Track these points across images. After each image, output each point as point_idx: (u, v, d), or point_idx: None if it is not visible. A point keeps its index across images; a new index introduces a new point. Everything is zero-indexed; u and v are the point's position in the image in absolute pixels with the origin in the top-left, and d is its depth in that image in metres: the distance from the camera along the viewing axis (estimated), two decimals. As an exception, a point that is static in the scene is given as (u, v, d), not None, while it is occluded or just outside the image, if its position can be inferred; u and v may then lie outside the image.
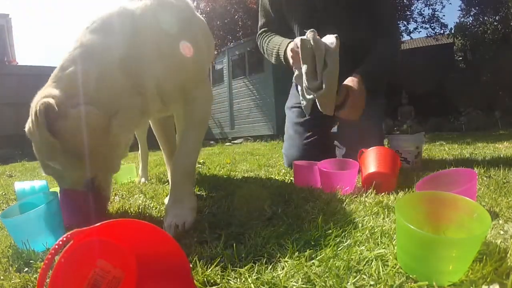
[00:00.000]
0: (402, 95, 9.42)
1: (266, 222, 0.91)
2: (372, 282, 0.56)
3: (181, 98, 1.14)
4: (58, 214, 0.92)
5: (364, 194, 1.13)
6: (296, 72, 1.58)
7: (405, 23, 10.74)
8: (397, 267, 0.60)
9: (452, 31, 12.02)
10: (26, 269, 0.73)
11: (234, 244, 0.75)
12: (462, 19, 12.54)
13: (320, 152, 1.77)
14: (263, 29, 2.03)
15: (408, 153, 1.68)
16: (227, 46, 10.24)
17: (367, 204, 1.02)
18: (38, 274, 0.43)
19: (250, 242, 0.76)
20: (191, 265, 0.58)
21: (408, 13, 10.36)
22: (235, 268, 0.64)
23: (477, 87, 9.59)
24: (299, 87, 1.63)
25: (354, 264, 0.62)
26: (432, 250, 0.56)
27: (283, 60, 1.73)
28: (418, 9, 10.97)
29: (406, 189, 1.20)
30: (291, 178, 1.56)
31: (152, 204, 1.26)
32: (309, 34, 1.40)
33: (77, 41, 0.98)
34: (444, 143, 3.61)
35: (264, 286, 0.58)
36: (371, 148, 1.31)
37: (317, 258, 0.65)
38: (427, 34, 11.24)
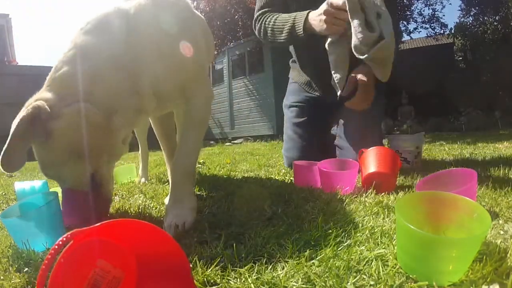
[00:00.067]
0: (402, 95, 9.43)
1: (266, 222, 0.91)
2: (372, 282, 0.56)
3: (180, 97, 1.14)
4: (58, 214, 0.92)
5: (364, 194, 1.13)
6: (330, 39, 1.44)
7: (405, 23, 10.74)
8: (397, 267, 0.60)
9: (452, 31, 12.02)
10: (26, 269, 0.73)
11: (234, 244, 0.75)
12: (462, 19, 12.55)
13: (320, 152, 1.77)
14: (264, 10, 1.85)
15: (408, 153, 1.69)
16: (227, 46, 10.24)
17: (367, 204, 1.02)
18: (38, 274, 0.43)
19: (250, 242, 0.76)
20: (191, 265, 0.58)
21: (408, 13, 10.36)
22: (235, 268, 0.64)
23: (477, 87, 9.59)
24: (331, 59, 1.46)
25: (354, 264, 0.62)
26: (432, 250, 0.56)
27: (301, 32, 1.56)
28: (418, 9, 10.98)
29: (406, 189, 1.20)
30: (291, 178, 1.56)
31: (152, 204, 1.26)
32: None
33: (71, 42, 0.98)
34: (444, 143, 3.61)
35: (264, 286, 0.58)
36: (371, 148, 1.31)
37: (317, 258, 0.65)
38: (427, 34, 11.25)
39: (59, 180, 0.97)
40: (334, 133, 1.95)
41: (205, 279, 0.62)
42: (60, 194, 0.96)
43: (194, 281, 0.59)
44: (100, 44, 0.97)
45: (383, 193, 1.13)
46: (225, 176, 1.92)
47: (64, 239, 0.46)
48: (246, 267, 0.64)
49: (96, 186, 0.96)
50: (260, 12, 1.87)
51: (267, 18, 1.79)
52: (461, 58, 13.40)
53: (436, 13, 10.90)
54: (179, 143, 1.11)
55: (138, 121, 1.07)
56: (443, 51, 12.71)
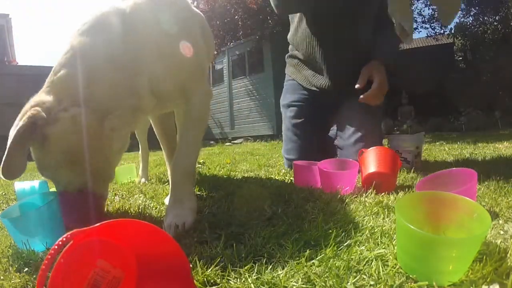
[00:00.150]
0: (402, 95, 9.42)
1: (266, 222, 0.91)
2: (372, 282, 0.56)
3: (178, 95, 1.13)
4: (58, 214, 0.92)
5: (364, 194, 1.13)
6: None
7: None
8: (397, 267, 0.60)
9: (452, 31, 12.01)
10: (26, 269, 0.73)
11: (234, 244, 0.75)
12: (462, 19, 12.53)
13: (320, 152, 1.77)
14: None
15: (408, 153, 1.69)
16: (227, 46, 10.24)
17: (367, 204, 1.02)
18: (38, 274, 0.43)
19: (250, 242, 0.76)
20: (191, 265, 0.58)
21: (408, 13, 10.34)
22: (235, 268, 0.64)
23: (477, 87, 9.58)
24: (393, 8, 1.37)
25: (354, 264, 0.62)
26: (432, 250, 0.56)
27: None
28: (418, 9, 10.95)
29: (406, 189, 1.20)
30: (291, 178, 1.56)
31: (152, 204, 1.26)
32: None
33: (69, 44, 0.98)
34: (444, 143, 3.61)
35: (264, 286, 0.58)
36: (371, 148, 1.31)
37: (317, 258, 0.65)
38: (427, 34, 11.24)
39: (54, 181, 0.97)
40: (334, 133, 1.95)
41: (205, 279, 0.62)
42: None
43: (194, 281, 0.59)
44: (97, 44, 0.97)
45: (383, 193, 1.13)
46: (225, 176, 1.92)
47: (64, 239, 0.46)
48: (246, 267, 0.64)
49: (91, 188, 0.95)
50: None
51: None
52: (461, 58, 13.39)
53: (436, 13, 10.88)
54: (179, 143, 1.11)
55: (137, 121, 1.07)
56: (443, 51, 12.70)
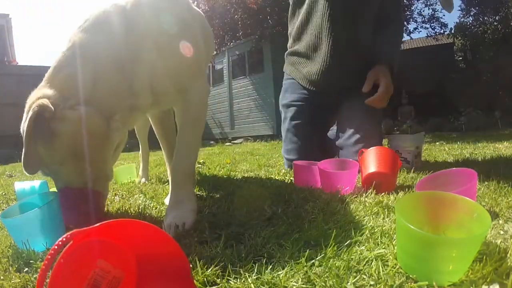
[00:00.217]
0: (402, 95, 9.43)
1: (266, 222, 0.91)
2: (372, 282, 0.56)
3: (175, 93, 1.13)
4: (58, 214, 0.92)
5: (364, 194, 1.13)
6: None
7: (405, 23, 10.72)
8: (397, 267, 0.60)
9: (452, 31, 12.01)
10: (26, 269, 0.73)
11: (234, 244, 0.75)
12: (462, 19, 12.54)
13: (320, 152, 1.77)
14: None
15: (408, 153, 1.69)
16: (227, 46, 10.24)
17: (367, 204, 1.02)
18: (38, 274, 0.43)
19: (250, 242, 0.76)
20: (191, 265, 0.58)
21: (408, 13, 10.35)
22: (235, 268, 0.64)
23: (477, 87, 9.58)
24: None
25: (354, 264, 0.62)
26: (432, 250, 0.56)
27: None
28: (418, 9, 10.94)
29: (406, 189, 1.20)
30: (291, 178, 1.56)
31: (152, 204, 1.26)
32: None
33: (69, 41, 0.98)
34: (444, 143, 3.62)
35: (264, 286, 0.58)
36: (371, 148, 1.31)
37: (317, 258, 0.65)
38: (427, 34, 11.23)
39: (56, 178, 0.97)
40: (334, 133, 1.95)
41: (205, 279, 0.62)
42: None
43: (194, 281, 0.59)
44: (99, 43, 0.98)
45: (383, 193, 1.13)
46: (225, 176, 1.92)
47: (64, 239, 0.46)
48: (246, 267, 0.64)
49: (92, 186, 0.96)
50: None
51: None
52: (461, 58, 13.39)
53: (436, 13, 10.89)
54: (178, 142, 1.11)
55: (135, 119, 1.07)
56: (443, 51, 12.70)
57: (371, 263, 0.62)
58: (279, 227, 0.85)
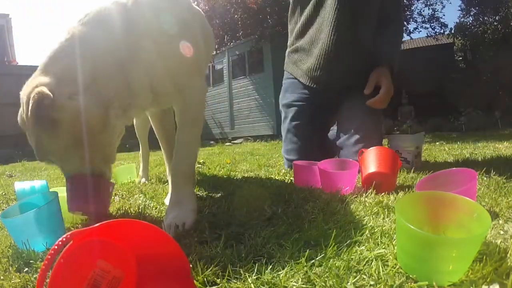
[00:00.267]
0: (402, 95, 9.44)
1: (266, 222, 0.91)
2: (372, 282, 0.56)
3: (174, 91, 1.13)
4: (58, 214, 0.92)
5: (364, 194, 1.13)
6: None
7: (405, 23, 10.72)
8: (397, 267, 0.60)
9: (452, 31, 12.01)
10: (26, 269, 0.73)
11: (234, 244, 0.75)
12: (462, 19, 12.54)
13: (320, 152, 1.77)
14: None
15: (408, 153, 1.69)
16: (227, 46, 10.24)
17: (367, 204, 1.02)
18: (38, 274, 0.43)
19: (250, 242, 0.76)
20: (191, 265, 0.58)
21: (408, 13, 10.36)
22: (235, 268, 0.64)
23: (477, 87, 9.59)
24: None
25: (354, 264, 0.62)
26: (432, 250, 0.56)
27: None
28: (418, 9, 10.93)
29: (406, 189, 1.20)
30: (291, 178, 1.56)
31: (152, 204, 1.26)
32: None
33: (68, 32, 0.98)
34: (444, 143, 3.62)
35: (264, 286, 0.58)
36: (371, 148, 1.31)
37: (317, 258, 0.65)
38: (427, 34, 11.23)
39: (62, 164, 0.98)
40: (334, 133, 1.95)
41: (205, 279, 0.62)
42: (60, 194, 0.96)
43: (194, 281, 0.59)
44: (98, 37, 0.98)
45: (383, 193, 1.13)
46: (225, 176, 1.92)
47: (64, 239, 0.46)
48: (246, 267, 0.64)
49: (96, 174, 0.98)
50: None
51: None
52: (461, 58, 13.40)
53: (436, 13, 10.88)
54: (177, 142, 1.11)
55: (132, 114, 1.08)
56: (443, 51, 12.70)
57: (371, 263, 0.62)
58: (279, 227, 0.85)
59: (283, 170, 1.93)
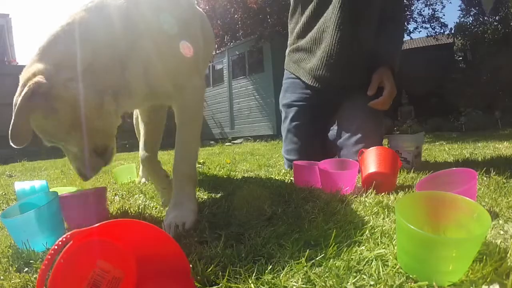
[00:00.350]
0: (402, 95, 9.42)
1: (266, 222, 0.91)
2: (372, 282, 0.56)
3: (171, 87, 1.12)
4: (58, 214, 0.92)
5: (364, 194, 1.13)
6: None
7: (405, 23, 10.71)
8: (397, 267, 0.60)
9: (452, 31, 12.01)
10: (26, 269, 0.73)
11: (234, 244, 0.75)
12: (462, 19, 12.53)
13: (320, 152, 1.77)
14: None
15: (408, 153, 1.69)
16: (227, 46, 10.24)
17: (367, 204, 1.02)
18: (38, 274, 0.43)
19: (250, 242, 0.76)
20: (191, 265, 0.58)
21: (408, 13, 10.35)
22: (235, 268, 0.64)
23: (477, 87, 9.58)
24: None
25: (354, 264, 0.62)
26: (432, 250, 0.56)
27: None
28: (418, 9, 10.93)
29: (406, 189, 1.20)
30: (291, 178, 1.56)
31: (152, 204, 1.26)
32: None
33: (70, 17, 0.98)
34: (444, 143, 3.62)
35: (264, 286, 0.58)
36: (371, 148, 1.31)
37: (317, 258, 0.65)
38: (427, 34, 11.23)
39: (65, 145, 1.01)
40: (334, 133, 1.95)
41: (205, 279, 0.62)
42: (60, 194, 0.96)
43: (194, 281, 0.59)
44: (99, 25, 0.99)
45: (383, 193, 1.13)
46: (225, 176, 1.92)
47: (64, 239, 0.46)
48: (246, 267, 0.64)
49: (99, 153, 1.01)
50: None
51: None
52: (461, 58, 13.39)
53: (436, 13, 10.89)
54: (176, 142, 1.11)
55: (126, 105, 1.09)
56: (443, 51, 12.70)
57: (371, 263, 0.62)
58: (279, 227, 0.85)
59: (283, 170, 1.93)
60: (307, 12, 1.84)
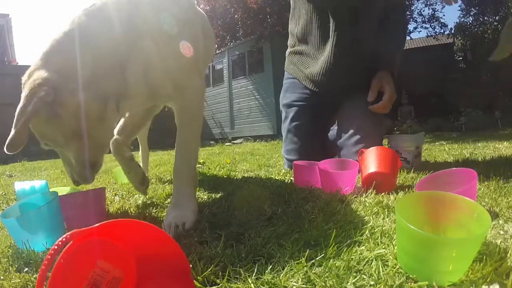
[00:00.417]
0: (402, 95, 9.42)
1: (266, 222, 0.91)
2: (372, 282, 0.56)
3: (171, 88, 1.12)
4: (58, 214, 0.92)
5: (364, 194, 1.13)
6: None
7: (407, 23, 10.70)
8: (397, 267, 0.60)
9: (452, 31, 12.01)
10: (26, 269, 0.73)
11: (234, 244, 0.75)
12: (462, 19, 12.53)
13: (320, 152, 1.77)
14: None
15: (408, 153, 1.69)
16: (227, 46, 10.25)
17: (367, 204, 1.02)
18: (38, 274, 0.43)
19: (250, 242, 0.76)
20: (191, 265, 0.58)
21: (408, 13, 10.35)
22: (235, 268, 0.64)
23: (477, 87, 9.58)
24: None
25: (354, 264, 0.62)
26: (432, 250, 0.56)
27: None
28: (418, 9, 10.93)
29: (406, 189, 1.20)
30: (291, 178, 1.56)
31: (152, 204, 1.26)
32: None
33: (72, 22, 0.98)
34: (444, 143, 3.62)
35: (264, 286, 0.58)
36: (371, 148, 1.31)
37: (317, 258, 0.65)
38: (427, 34, 11.24)
39: (61, 151, 1.02)
40: (334, 133, 1.95)
41: (205, 279, 0.62)
42: (60, 194, 0.97)
43: (194, 281, 0.59)
44: (101, 31, 0.99)
45: (383, 193, 1.13)
46: (225, 176, 1.92)
47: (64, 239, 0.46)
48: (246, 267, 0.64)
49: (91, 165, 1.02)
50: None
51: None
52: (461, 58, 13.38)
53: (436, 13, 10.89)
54: (177, 142, 1.11)
55: (126, 110, 1.10)
56: (443, 51, 12.69)
57: (371, 263, 0.62)
58: (279, 227, 0.85)
59: (283, 170, 1.93)
60: (306, 15, 1.84)
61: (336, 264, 0.62)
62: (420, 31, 13.22)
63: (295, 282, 0.58)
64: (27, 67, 0.97)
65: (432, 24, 10.93)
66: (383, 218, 0.88)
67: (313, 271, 0.60)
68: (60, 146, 0.99)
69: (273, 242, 0.75)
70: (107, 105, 0.99)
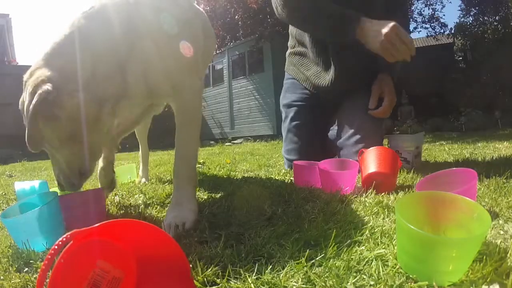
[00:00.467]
0: (402, 95, 9.42)
1: (266, 222, 0.91)
2: (372, 282, 0.56)
3: (169, 88, 1.12)
4: (58, 214, 0.92)
5: (364, 194, 1.13)
6: None
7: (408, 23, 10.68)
8: (397, 267, 0.60)
9: (452, 31, 12.01)
10: (26, 269, 0.73)
11: (234, 244, 0.75)
12: (462, 19, 12.54)
13: (320, 152, 1.77)
14: None
15: (408, 153, 1.69)
16: (227, 46, 10.25)
17: (367, 204, 1.02)
18: (38, 274, 0.43)
19: (250, 242, 0.76)
20: (191, 265, 0.58)
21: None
22: (235, 268, 0.64)
23: (477, 87, 9.59)
24: None
25: (354, 264, 0.62)
26: (432, 250, 0.56)
27: (352, 37, 1.49)
28: (418, 9, 10.93)
29: (406, 189, 1.20)
30: (291, 178, 1.56)
31: (152, 204, 1.26)
32: None
33: (72, 25, 0.99)
34: (444, 143, 3.62)
35: (264, 286, 0.58)
36: (371, 148, 1.31)
37: (317, 258, 0.65)
38: (427, 34, 11.24)
39: (53, 154, 1.02)
40: (334, 133, 1.95)
41: (205, 279, 0.62)
42: (60, 194, 0.97)
43: (194, 281, 0.59)
44: (100, 33, 1.00)
45: (383, 193, 1.13)
46: (225, 176, 1.92)
47: (64, 239, 0.46)
48: (246, 267, 0.64)
49: (84, 171, 1.03)
50: None
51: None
52: (461, 58, 13.38)
53: (436, 13, 10.89)
54: (176, 143, 1.11)
55: (123, 112, 1.11)
56: (443, 51, 12.70)
57: (371, 263, 0.62)
58: (279, 227, 0.85)
59: (283, 170, 1.93)
60: None
61: (336, 264, 0.62)
62: (420, 31, 13.26)
63: (295, 282, 0.58)
64: (27, 67, 0.98)
65: (432, 24, 10.94)
66: (383, 218, 0.88)
67: (313, 271, 0.60)
68: (54, 149, 1.00)
69: (273, 242, 0.75)
70: (102, 108, 0.99)
